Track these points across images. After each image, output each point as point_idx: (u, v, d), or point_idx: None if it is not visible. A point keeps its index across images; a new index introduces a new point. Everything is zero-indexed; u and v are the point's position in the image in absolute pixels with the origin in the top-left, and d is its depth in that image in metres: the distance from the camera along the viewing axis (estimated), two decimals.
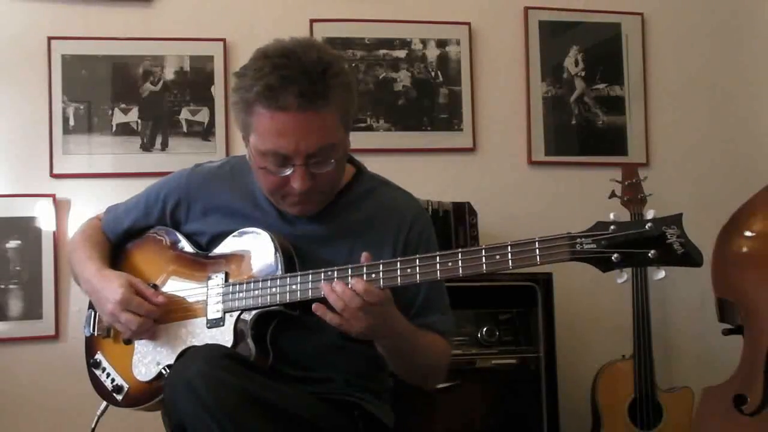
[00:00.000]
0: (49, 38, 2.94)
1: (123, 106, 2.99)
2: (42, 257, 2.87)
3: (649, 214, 1.37)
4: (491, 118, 3.20)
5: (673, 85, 3.34)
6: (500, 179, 3.18)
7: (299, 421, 1.47)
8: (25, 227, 2.88)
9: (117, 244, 1.88)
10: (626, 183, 2.79)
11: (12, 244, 2.88)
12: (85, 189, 2.93)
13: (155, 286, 1.75)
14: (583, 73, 3.28)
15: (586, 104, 3.27)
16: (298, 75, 1.51)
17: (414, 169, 3.06)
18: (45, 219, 2.89)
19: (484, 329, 2.70)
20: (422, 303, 1.70)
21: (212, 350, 1.53)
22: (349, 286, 1.47)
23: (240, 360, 1.52)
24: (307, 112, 1.51)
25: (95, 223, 1.92)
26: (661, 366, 3.02)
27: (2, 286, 2.86)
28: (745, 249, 2.63)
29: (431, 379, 1.77)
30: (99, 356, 1.81)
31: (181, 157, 2.95)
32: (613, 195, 2.76)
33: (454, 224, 2.80)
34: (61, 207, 2.91)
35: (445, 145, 3.16)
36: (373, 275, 1.48)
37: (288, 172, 1.57)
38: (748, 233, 2.64)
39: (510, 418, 2.68)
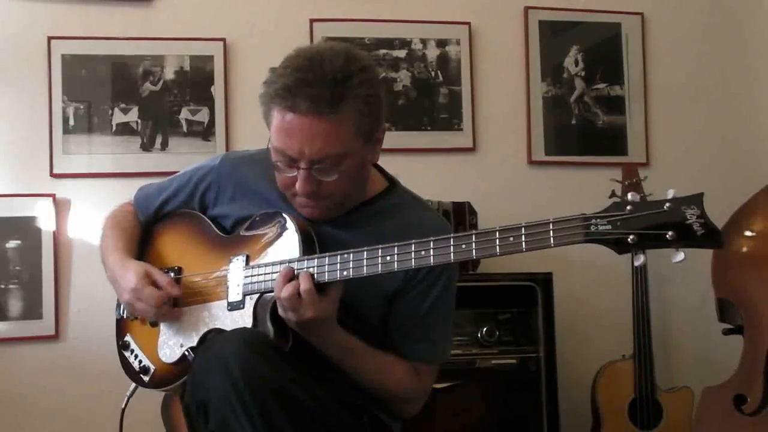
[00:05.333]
0: (49, 38, 2.94)
1: (123, 105, 2.99)
2: (42, 257, 2.87)
3: (669, 194, 1.32)
4: (491, 118, 3.20)
5: (673, 85, 3.34)
6: (500, 179, 3.18)
7: (320, 423, 1.46)
8: (25, 227, 2.88)
9: (147, 224, 1.89)
10: (626, 183, 2.79)
11: (12, 244, 2.87)
12: (85, 189, 2.93)
13: (180, 270, 1.76)
14: (583, 73, 3.27)
15: (586, 104, 3.27)
16: (314, 80, 1.50)
17: (414, 169, 3.01)
18: (45, 219, 2.89)
19: (484, 329, 2.71)
20: (411, 327, 1.68)
21: (252, 335, 1.53)
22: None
23: (277, 350, 1.52)
24: (314, 118, 1.51)
25: (126, 209, 1.93)
26: (661, 366, 3.01)
27: (2, 286, 2.86)
28: (745, 249, 2.64)
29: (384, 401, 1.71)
30: (128, 338, 1.83)
31: (181, 157, 2.95)
32: (613, 195, 2.75)
33: (454, 224, 2.80)
34: (61, 207, 2.91)
35: (445, 145, 3.16)
36: (389, 258, 1.49)
37: (293, 173, 1.58)
38: (748, 233, 2.64)
39: (510, 418, 2.68)
